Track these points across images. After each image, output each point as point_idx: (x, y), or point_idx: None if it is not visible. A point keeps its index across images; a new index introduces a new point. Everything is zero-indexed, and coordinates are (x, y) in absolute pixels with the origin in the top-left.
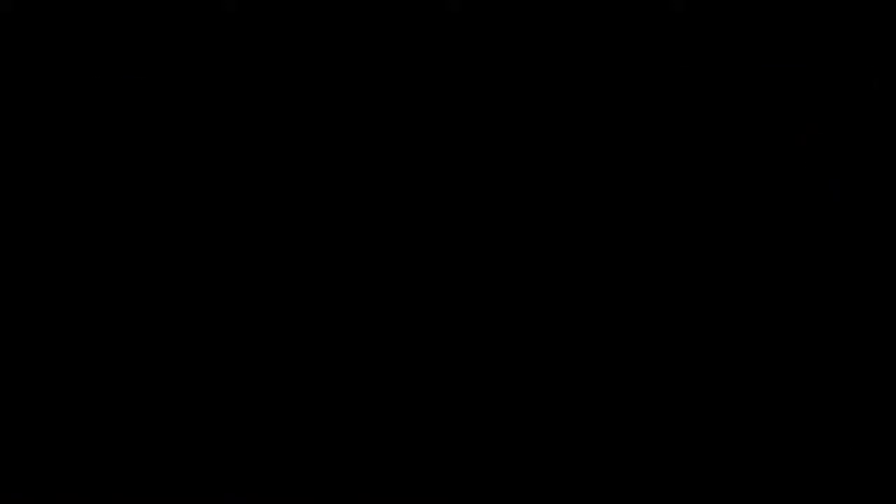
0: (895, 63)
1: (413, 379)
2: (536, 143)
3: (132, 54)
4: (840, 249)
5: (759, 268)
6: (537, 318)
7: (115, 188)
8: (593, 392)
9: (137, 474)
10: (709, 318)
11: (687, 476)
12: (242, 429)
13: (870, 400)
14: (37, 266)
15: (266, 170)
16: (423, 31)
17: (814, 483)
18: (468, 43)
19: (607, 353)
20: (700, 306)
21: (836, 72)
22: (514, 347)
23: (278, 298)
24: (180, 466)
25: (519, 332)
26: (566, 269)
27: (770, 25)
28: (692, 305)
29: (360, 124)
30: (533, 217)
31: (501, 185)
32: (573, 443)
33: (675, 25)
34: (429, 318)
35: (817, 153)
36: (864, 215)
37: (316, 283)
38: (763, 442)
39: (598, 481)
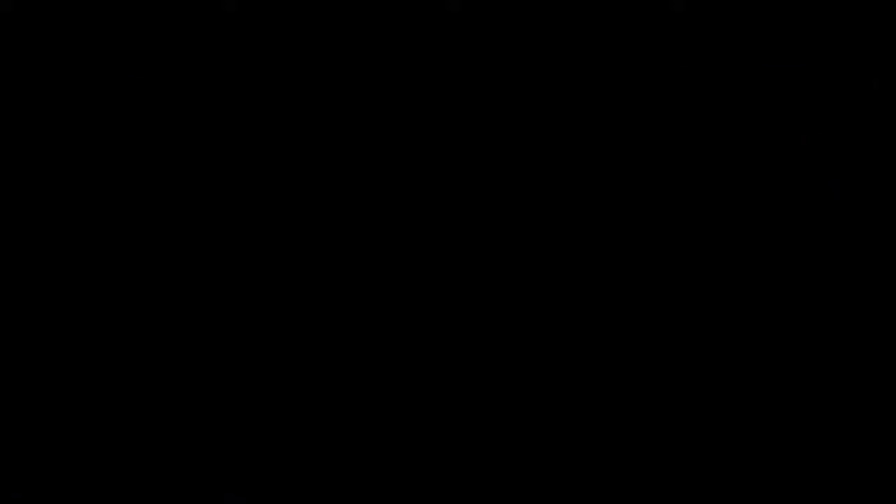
0: (895, 63)
1: (413, 379)
2: (537, 143)
3: (132, 54)
4: (840, 249)
5: (760, 267)
6: (537, 318)
7: (116, 188)
8: (593, 392)
9: (137, 474)
10: (709, 318)
11: (687, 476)
12: (242, 429)
13: (870, 400)
14: (37, 266)
15: (266, 169)
16: (423, 31)
17: (814, 483)
18: (468, 43)
19: (607, 354)
20: (700, 306)
21: (836, 72)
22: (513, 348)
23: (278, 299)
24: (180, 466)
25: (518, 332)
26: (566, 269)
27: (770, 25)
28: (692, 305)
29: (361, 124)
30: (533, 217)
31: (501, 184)
32: (573, 443)
33: (675, 25)
34: (428, 318)
35: (817, 153)
36: (864, 215)
37: (316, 283)
38: (763, 442)
39: (599, 481)
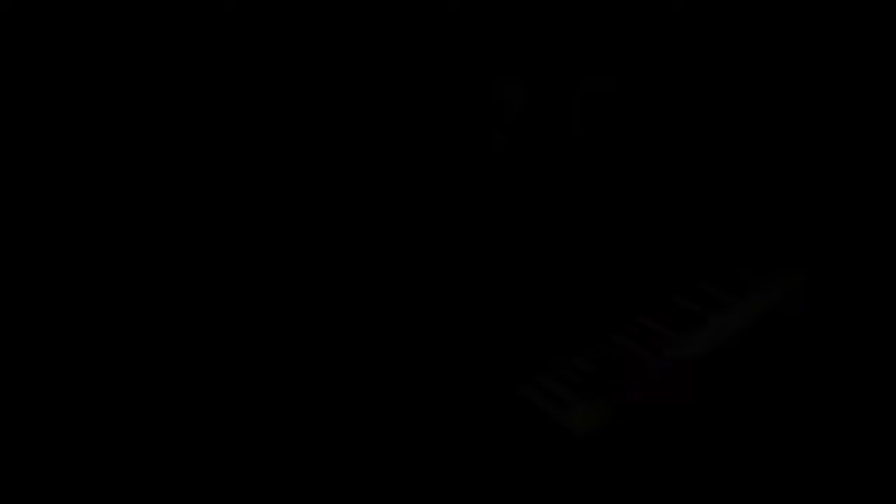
0: (895, 63)
1: (412, 379)
2: (536, 144)
3: (132, 54)
4: (840, 249)
5: (759, 266)
6: (536, 318)
7: (115, 188)
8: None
9: (137, 474)
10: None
11: (684, 475)
12: (242, 428)
13: (868, 400)
14: (36, 266)
15: (265, 170)
16: (423, 31)
17: (814, 483)
18: (467, 43)
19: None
20: (699, 306)
21: (835, 72)
22: (513, 347)
23: (278, 298)
24: (180, 466)
25: (518, 332)
26: (565, 269)
27: (770, 25)
28: (691, 305)
29: (360, 124)
30: (531, 218)
31: (501, 185)
32: (571, 442)
33: (675, 25)
34: (428, 318)
35: (818, 153)
36: (863, 215)
37: (315, 282)
38: (763, 442)
39: (597, 481)
